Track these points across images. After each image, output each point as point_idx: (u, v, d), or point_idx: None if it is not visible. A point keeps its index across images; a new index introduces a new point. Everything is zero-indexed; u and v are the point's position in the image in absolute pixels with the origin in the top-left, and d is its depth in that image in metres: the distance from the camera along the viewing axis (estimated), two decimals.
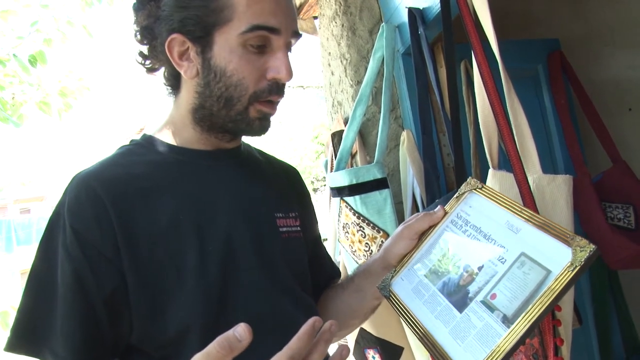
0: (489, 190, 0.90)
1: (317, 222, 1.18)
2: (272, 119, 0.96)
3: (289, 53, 0.92)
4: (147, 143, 0.97)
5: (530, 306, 0.69)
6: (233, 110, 0.91)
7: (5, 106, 3.08)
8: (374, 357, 1.77)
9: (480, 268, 0.80)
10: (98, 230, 0.82)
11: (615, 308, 1.95)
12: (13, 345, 0.83)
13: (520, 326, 0.68)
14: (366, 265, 1.08)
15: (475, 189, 0.93)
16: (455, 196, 0.97)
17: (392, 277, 0.96)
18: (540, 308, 0.68)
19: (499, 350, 0.69)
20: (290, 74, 0.90)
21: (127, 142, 0.99)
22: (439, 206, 0.98)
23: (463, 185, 0.96)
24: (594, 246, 0.67)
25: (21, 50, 2.96)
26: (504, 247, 0.78)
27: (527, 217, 0.79)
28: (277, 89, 0.92)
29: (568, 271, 0.67)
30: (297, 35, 0.92)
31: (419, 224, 0.97)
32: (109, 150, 1.01)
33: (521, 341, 0.68)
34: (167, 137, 0.97)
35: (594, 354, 1.93)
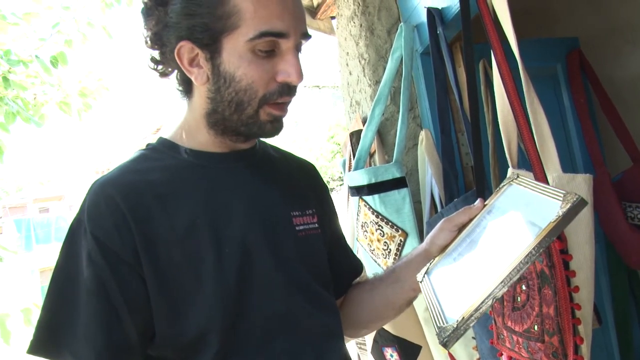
0: (522, 179, 0.95)
1: (336, 216, 1.19)
2: (284, 120, 0.96)
3: (299, 54, 0.92)
4: (163, 147, 0.98)
5: (518, 257, 0.77)
6: (244, 114, 0.91)
7: (28, 106, 3.13)
8: (392, 356, 1.77)
9: (495, 243, 0.88)
10: (118, 237, 0.84)
11: (635, 308, 1.93)
12: (35, 348, 0.86)
13: (504, 274, 0.76)
14: (408, 256, 1.09)
15: (512, 181, 0.98)
16: (495, 190, 1.02)
17: (429, 266, 1.01)
18: (522, 256, 0.76)
19: (483, 295, 0.77)
20: (300, 77, 0.90)
21: (144, 146, 1.00)
22: (478, 199, 1.01)
23: (504, 180, 1.02)
24: (578, 196, 0.74)
25: (43, 52, 2.99)
26: (518, 221, 0.86)
27: (540, 191, 0.86)
28: (288, 90, 0.92)
29: (551, 224, 0.75)
30: (306, 36, 0.93)
31: (459, 217, 1.00)
32: (127, 150, 1.02)
33: (502, 285, 0.75)
34: (183, 141, 0.98)
35: (614, 355, 1.91)
